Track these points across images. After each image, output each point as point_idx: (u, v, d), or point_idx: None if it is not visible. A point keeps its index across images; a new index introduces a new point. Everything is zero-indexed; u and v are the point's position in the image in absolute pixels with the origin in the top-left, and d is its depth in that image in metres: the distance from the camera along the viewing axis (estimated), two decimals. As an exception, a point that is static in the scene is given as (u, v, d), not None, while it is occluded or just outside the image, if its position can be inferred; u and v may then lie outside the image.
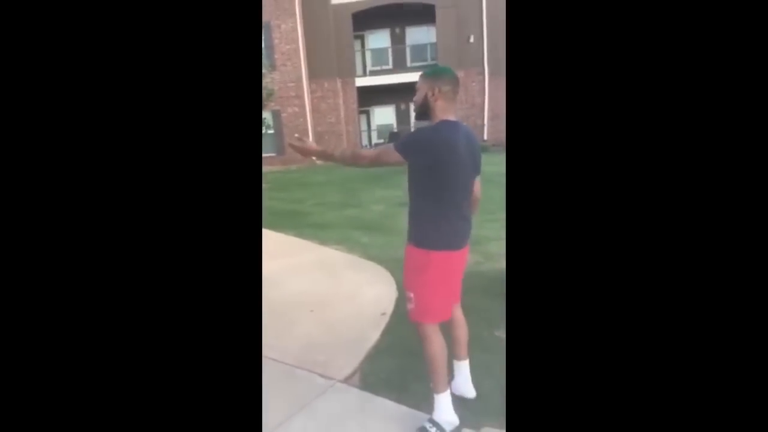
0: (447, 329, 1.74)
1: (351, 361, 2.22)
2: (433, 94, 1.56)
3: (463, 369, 1.82)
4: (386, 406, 1.85)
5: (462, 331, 1.81)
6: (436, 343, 1.61)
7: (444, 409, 1.61)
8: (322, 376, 2.10)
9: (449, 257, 1.59)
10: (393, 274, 3.44)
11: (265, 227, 5.41)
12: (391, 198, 7.02)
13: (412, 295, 1.60)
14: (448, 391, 1.64)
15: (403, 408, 1.81)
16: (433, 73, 1.61)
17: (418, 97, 1.61)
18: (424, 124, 1.63)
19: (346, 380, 2.08)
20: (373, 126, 17.26)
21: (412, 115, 16.02)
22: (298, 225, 5.48)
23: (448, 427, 1.60)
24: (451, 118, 1.58)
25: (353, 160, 1.62)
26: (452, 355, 1.77)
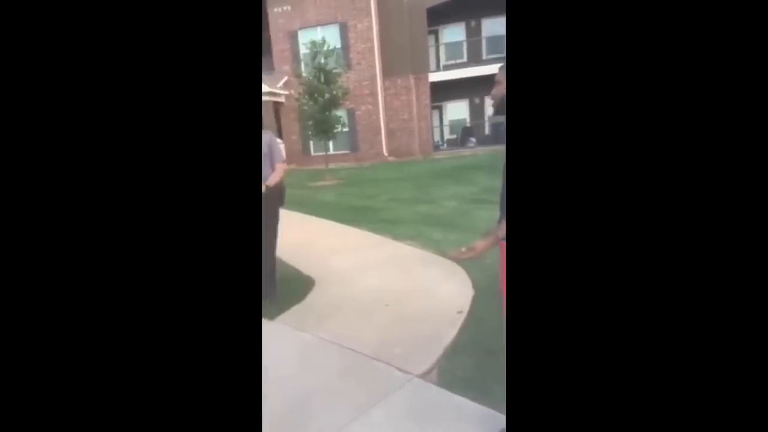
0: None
1: (428, 357, 2.22)
2: None
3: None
4: (465, 405, 1.82)
5: None
6: None
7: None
8: (400, 369, 2.12)
9: None
10: (468, 271, 3.38)
11: (338, 222, 5.59)
12: (463, 194, 6.90)
13: None
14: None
15: (483, 408, 1.77)
16: None
17: (501, 90, 1.54)
18: (502, 119, 1.56)
19: (424, 376, 2.08)
20: (446, 121, 17.06)
21: (487, 109, 15.57)
22: (370, 220, 5.59)
23: (531, 433, 1.54)
24: None
25: None
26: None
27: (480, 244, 1.54)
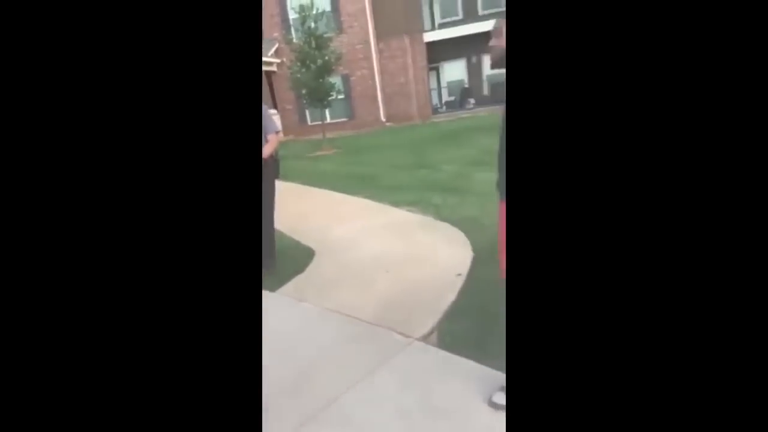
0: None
1: (428, 320, 2.25)
2: None
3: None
4: (466, 365, 1.85)
5: None
6: None
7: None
8: (400, 333, 2.15)
9: None
10: (467, 234, 3.37)
11: (338, 191, 5.56)
12: (462, 157, 6.81)
13: None
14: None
15: (482, 368, 1.80)
16: None
17: (500, 42, 1.44)
18: (501, 77, 1.50)
19: (424, 339, 2.11)
20: (444, 83, 16.64)
21: (485, 68, 15.14)
22: (370, 188, 5.55)
23: (530, 389, 1.57)
24: None
25: None
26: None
27: None
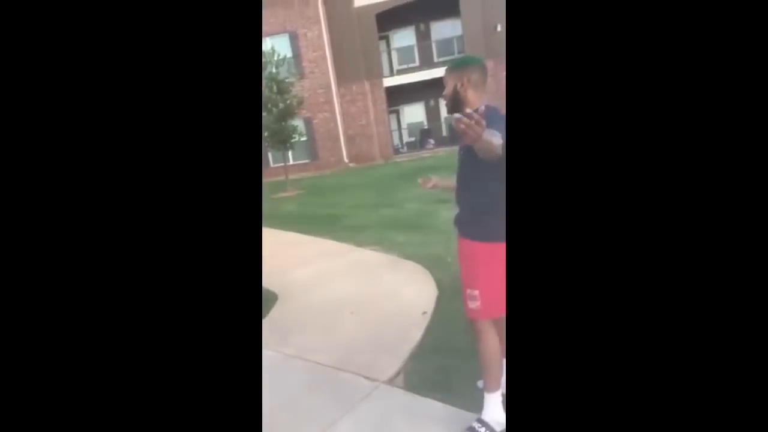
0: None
1: (394, 361, 2.20)
2: (462, 85, 1.52)
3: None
4: (432, 406, 1.81)
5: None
6: (493, 340, 1.55)
7: (494, 409, 1.56)
8: (366, 377, 2.09)
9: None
10: (431, 272, 3.39)
11: (301, 232, 5.50)
12: (425, 195, 6.94)
13: (477, 292, 1.52)
14: (500, 390, 1.58)
15: (450, 408, 1.77)
16: (458, 65, 1.58)
17: (447, 91, 1.57)
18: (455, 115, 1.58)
19: (390, 381, 2.05)
20: (404, 125, 17.20)
21: (443, 111, 15.81)
22: (334, 228, 5.53)
23: (497, 428, 1.55)
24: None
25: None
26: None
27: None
